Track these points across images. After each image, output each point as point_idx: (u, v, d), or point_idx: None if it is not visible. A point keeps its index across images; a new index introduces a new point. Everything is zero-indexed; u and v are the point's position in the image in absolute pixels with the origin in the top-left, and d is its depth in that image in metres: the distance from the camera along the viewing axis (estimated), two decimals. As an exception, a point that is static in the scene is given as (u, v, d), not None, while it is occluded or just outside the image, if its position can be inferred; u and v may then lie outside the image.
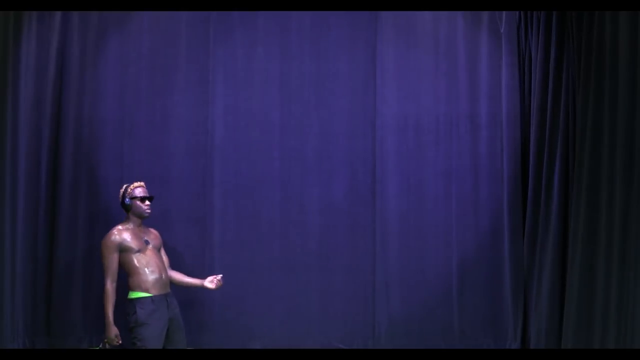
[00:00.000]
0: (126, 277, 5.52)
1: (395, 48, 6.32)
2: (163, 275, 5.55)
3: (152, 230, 5.78)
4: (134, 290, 5.46)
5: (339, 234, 6.27)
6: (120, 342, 5.45)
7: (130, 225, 5.60)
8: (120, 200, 5.66)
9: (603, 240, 5.12)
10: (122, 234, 5.53)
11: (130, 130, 6.25)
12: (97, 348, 5.66)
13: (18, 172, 5.77)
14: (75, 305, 6.08)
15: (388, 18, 6.31)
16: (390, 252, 6.26)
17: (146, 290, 5.44)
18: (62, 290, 6.08)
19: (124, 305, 5.48)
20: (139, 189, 5.65)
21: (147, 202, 5.64)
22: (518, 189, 6.14)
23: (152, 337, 5.37)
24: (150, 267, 5.50)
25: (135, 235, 5.57)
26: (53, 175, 6.11)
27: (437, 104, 6.31)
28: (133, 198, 5.61)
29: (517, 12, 6.21)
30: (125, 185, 5.68)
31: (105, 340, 5.42)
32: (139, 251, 5.51)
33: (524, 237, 6.09)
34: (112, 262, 5.45)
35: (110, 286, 5.42)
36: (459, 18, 6.31)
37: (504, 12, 6.23)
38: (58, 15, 6.13)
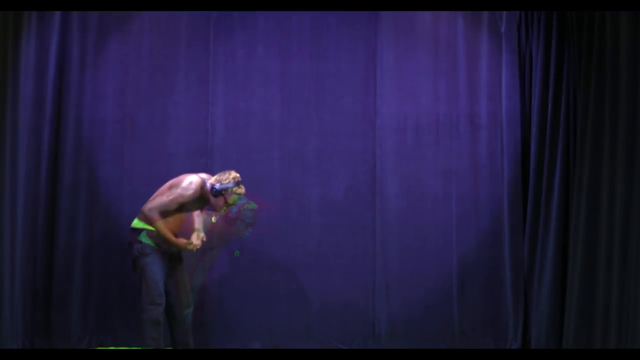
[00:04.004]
0: (149, 206, 5.32)
1: (395, 48, 6.32)
2: (199, 224, 5.46)
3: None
4: (141, 220, 5.35)
5: (339, 234, 6.27)
6: (200, 241, 5.38)
7: (205, 193, 5.35)
8: (217, 180, 5.31)
9: (603, 240, 5.12)
10: (204, 191, 5.32)
11: (131, 130, 6.25)
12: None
13: (18, 172, 5.77)
14: (75, 305, 6.09)
15: (388, 18, 6.31)
16: (390, 252, 6.25)
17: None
18: (62, 290, 6.08)
19: (128, 234, 5.41)
20: (236, 197, 5.34)
21: (226, 208, 5.39)
22: (518, 188, 6.13)
23: (157, 266, 5.29)
24: (171, 226, 5.36)
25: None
26: (53, 175, 6.11)
27: (437, 104, 6.31)
28: (224, 195, 5.31)
29: (518, 12, 6.20)
30: (233, 178, 5.31)
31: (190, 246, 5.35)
32: (181, 212, 5.33)
33: (524, 237, 6.08)
34: (176, 201, 5.26)
35: (162, 221, 5.24)
36: (459, 18, 6.31)
37: (504, 12, 6.22)
38: (58, 15, 6.13)
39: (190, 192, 5.30)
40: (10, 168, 5.64)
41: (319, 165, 6.31)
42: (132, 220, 5.61)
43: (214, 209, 5.41)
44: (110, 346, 6.13)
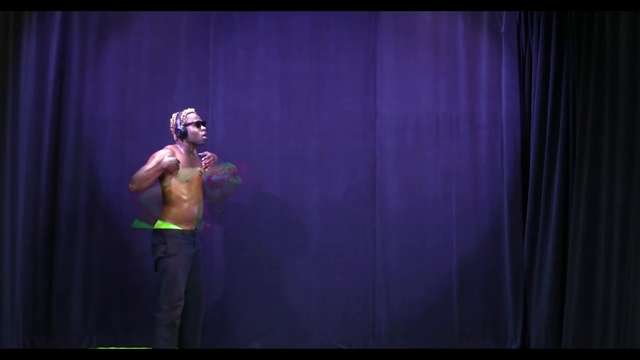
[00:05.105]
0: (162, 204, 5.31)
1: (395, 48, 6.33)
2: (198, 211, 5.35)
3: (201, 154, 5.59)
4: (164, 220, 5.27)
5: (339, 234, 6.27)
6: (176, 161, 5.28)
7: (182, 150, 5.38)
8: (173, 128, 5.41)
9: (603, 240, 5.12)
10: (176, 154, 5.29)
11: (130, 130, 6.26)
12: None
13: (18, 172, 5.77)
14: (75, 305, 6.10)
15: (388, 18, 6.32)
16: (390, 252, 6.25)
17: (178, 224, 5.27)
18: (62, 290, 6.09)
19: (151, 235, 5.32)
20: (192, 115, 5.40)
21: (203, 127, 5.42)
22: (518, 188, 6.13)
23: (180, 269, 5.20)
24: (191, 202, 5.33)
25: (187, 162, 5.34)
26: (53, 175, 6.11)
27: (437, 104, 6.31)
28: (188, 124, 5.38)
29: (517, 12, 6.20)
30: (175, 114, 5.42)
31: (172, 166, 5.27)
32: (187, 180, 5.31)
33: (524, 237, 6.08)
34: (153, 173, 5.19)
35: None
36: (459, 18, 6.31)
37: (504, 12, 6.22)
38: (58, 15, 6.14)
39: (162, 152, 5.25)
40: (10, 168, 5.64)
41: (319, 165, 6.31)
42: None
43: (195, 142, 5.39)
44: (110, 346, 6.15)
